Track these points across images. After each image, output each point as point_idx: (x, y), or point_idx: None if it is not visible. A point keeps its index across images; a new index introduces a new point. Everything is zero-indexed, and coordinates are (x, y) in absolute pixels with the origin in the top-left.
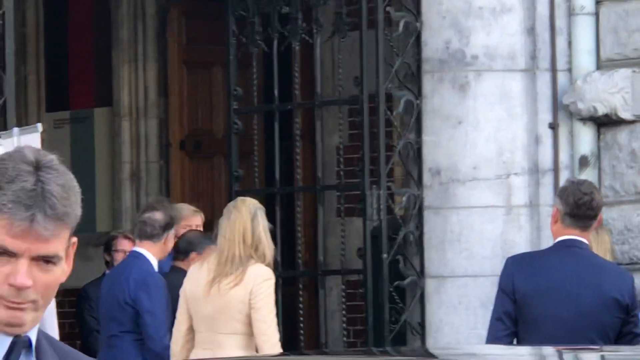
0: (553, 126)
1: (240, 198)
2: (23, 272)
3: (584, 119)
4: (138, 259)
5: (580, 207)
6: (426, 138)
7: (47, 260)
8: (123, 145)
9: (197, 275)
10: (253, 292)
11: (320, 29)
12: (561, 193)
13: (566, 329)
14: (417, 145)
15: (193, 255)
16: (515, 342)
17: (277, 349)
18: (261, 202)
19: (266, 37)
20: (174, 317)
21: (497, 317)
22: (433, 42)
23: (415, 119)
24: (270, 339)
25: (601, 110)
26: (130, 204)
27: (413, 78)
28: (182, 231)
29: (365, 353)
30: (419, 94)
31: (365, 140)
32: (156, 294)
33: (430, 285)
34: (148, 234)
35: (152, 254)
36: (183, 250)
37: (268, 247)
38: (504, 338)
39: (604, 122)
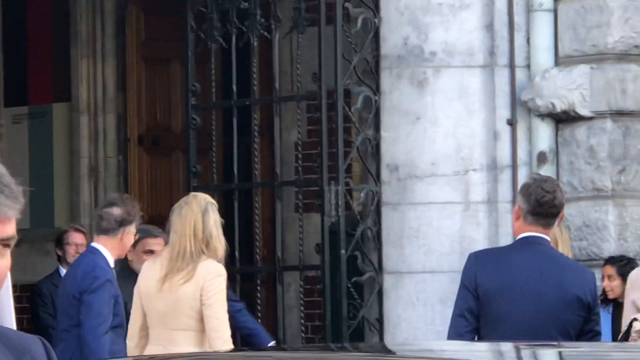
0: (511, 122)
1: (192, 193)
2: None
3: (542, 115)
4: (93, 254)
5: (542, 205)
6: (384, 134)
7: (6, 243)
8: (81, 141)
9: (150, 271)
10: (204, 289)
11: (278, 24)
12: (523, 191)
13: (528, 326)
14: (376, 141)
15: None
16: (476, 338)
17: (228, 344)
18: (219, 197)
19: (225, 32)
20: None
21: (460, 314)
22: (391, 38)
23: (373, 115)
24: (221, 335)
25: (559, 107)
26: (88, 200)
27: (371, 74)
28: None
29: (323, 349)
30: (377, 90)
31: (324, 136)
32: (100, 287)
33: (388, 281)
34: (104, 229)
35: (107, 249)
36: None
37: (219, 242)
38: (466, 334)
39: (562, 119)
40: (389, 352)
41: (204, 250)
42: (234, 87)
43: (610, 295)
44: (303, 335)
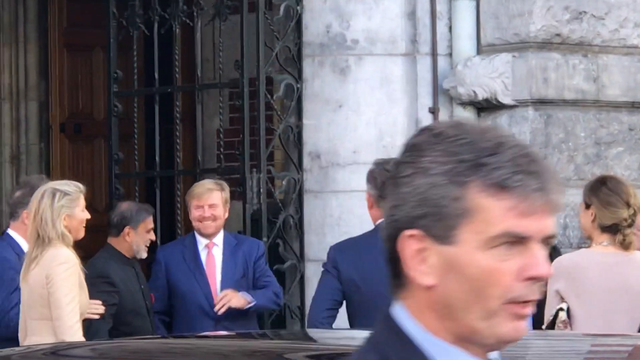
0: (433, 110)
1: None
2: (543, 258)
3: (464, 104)
4: (4, 240)
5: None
6: (306, 122)
7: (547, 242)
8: (3, 128)
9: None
10: (48, 277)
11: (201, 11)
12: (368, 178)
13: None
14: (298, 129)
15: (127, 230)
16: (347, 324)
17: (74, 334)
18: (141, 184)
19: (147, 19)
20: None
21: (322, 293)
22: (314, 25)
23: (295, 102)
24: (63, 324)
25: (481, 95)
26: (10, 186)
27: (293, 62)
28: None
29: (245, 337)
30: (299, 77)
31: (246, 123)
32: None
33: (309, 269)
34: (10, 214)
35: (19, 234)
36: (115, 224)
37: (52, 228)
38: (326, 311)
39: (484, 107)
40: (310, 339)
41: (54, 237)
42: (156, 75)
43: None
44: None
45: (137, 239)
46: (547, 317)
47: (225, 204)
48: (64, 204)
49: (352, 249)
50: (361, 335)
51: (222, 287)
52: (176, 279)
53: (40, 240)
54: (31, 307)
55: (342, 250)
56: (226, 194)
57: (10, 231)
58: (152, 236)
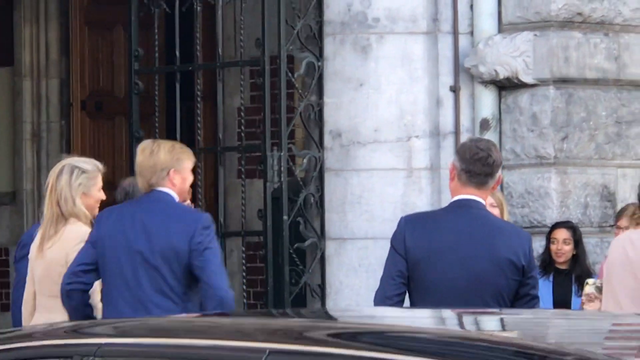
0: (454, 89)
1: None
2: None
3: (485, 82)
4: None
5: (475, 163)
6: (327, 100)
7: None
8: (24, 105)
9: (35, 235)
10: (69, 255)
11: None
12: (459, 150)
13: (459, 291)
14: (319, 107)
15: None
16: (407, 303)
17: (97, 313)
18: None
19: None
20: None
21: (389, 276)
22: (335, 4)
23: (316, 81)
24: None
25: (502, 74)
26: (31, 164)
27: (315, 40)
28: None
29: (264, 315)
30: (320, 56)
31: (267, 102)
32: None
33: (330, 247)
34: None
35: None
36: (120, 201)
37: (71, 204)
38: (394, 297)
39: (505, 86)
40: (331, 318)
41: (72, 213)
42: (177, 52)
43: (560, 259)
44: (245, 301)
45: None
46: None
47: None
48: (82, 181)
49: (422, 224)
50: (384, 313)
51: None
52: None
53: (60, 217)
54: (44, 284)
55: (412, 223)
56: None
57: None
58: None
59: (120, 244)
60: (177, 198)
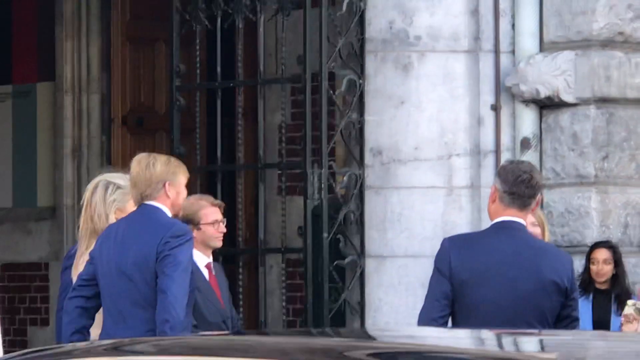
0: (495, 108)
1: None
2: None
3: (526, 101)
4: None
5: (519, 184)
6: (368, 118)
7: None
8: (65, 120)
9: None
10: None
11: (264, 6)
12: (500, 171)
13: (504, 312)
14: (359, 124)
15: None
16: (450, 324)
17: None
18: (203, 179)
19: (210, 14)
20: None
21: (434, 298)
22: (376, 21)
23: (357, 98)
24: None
25: (543, 93)
26: (71, 179)
27: (356, 57)
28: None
29: (304, 334)
30: (361, 73)
31: (308, 119)
32: None
33: (370, 264)
34: None
35: None
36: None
37: (104, 220)
38: (439, 319)
39: (546, 105)
40: (371, 337)
41: (101, 229)
42: (219, 69)
43: (600, 279)
44: (284, 317)
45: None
46: None
47: None
48: (117, 197)
49: (466, 245)
50: (423, 333)
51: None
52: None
53: (93, 233)
54: None
55: (456, 244)
56: None
57: None
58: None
59: (105, 259)
60: (168, 212)
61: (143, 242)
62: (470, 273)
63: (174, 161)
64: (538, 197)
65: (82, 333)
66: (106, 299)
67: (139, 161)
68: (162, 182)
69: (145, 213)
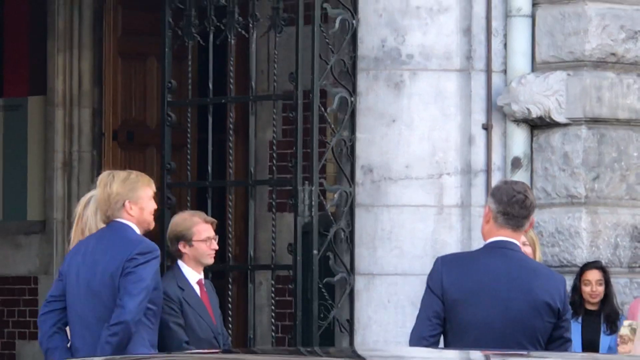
0: (486, 127)
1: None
2: None
3: (517, 121)
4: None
5: (513, 205)
6: (360, 135)
7: None
8: (56, 134)
9: None
10: None
11: (256, 23)
12: (494, 192)
13: (495, 333)
14: (351, 142)
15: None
16: (442, 344)
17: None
18: (193, 194)
19: (202, 29)
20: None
21: (425, 317)
22: (369, 40)
23: (349, 116)
24: None
25: (535, 113)
26: (62, 193)
27: (348, 75)
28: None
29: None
30: (353, 91)
31: (299, 136)
32: None
33: (359, 282)
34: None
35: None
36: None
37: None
38: (430, 338)
39: (538, 125)
40: (359, 357)
41: None
42: (210, 85)
43: (594, 300)
44: (273, 334)
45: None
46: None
47: None
48: None
49: (459, 264)
50: (412, 353)
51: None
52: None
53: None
54: None
55: (449, 264)
56: None
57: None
58: None
59: (74, 275)
60: (136, 228)
61: (111, 258)
62: (463, 292)
63: (133, 177)
64: (532, 217)
65: (62, 330)
66: (72, 314)
67: (100, 180)
68: (121, 201)
69: (113, 230)
